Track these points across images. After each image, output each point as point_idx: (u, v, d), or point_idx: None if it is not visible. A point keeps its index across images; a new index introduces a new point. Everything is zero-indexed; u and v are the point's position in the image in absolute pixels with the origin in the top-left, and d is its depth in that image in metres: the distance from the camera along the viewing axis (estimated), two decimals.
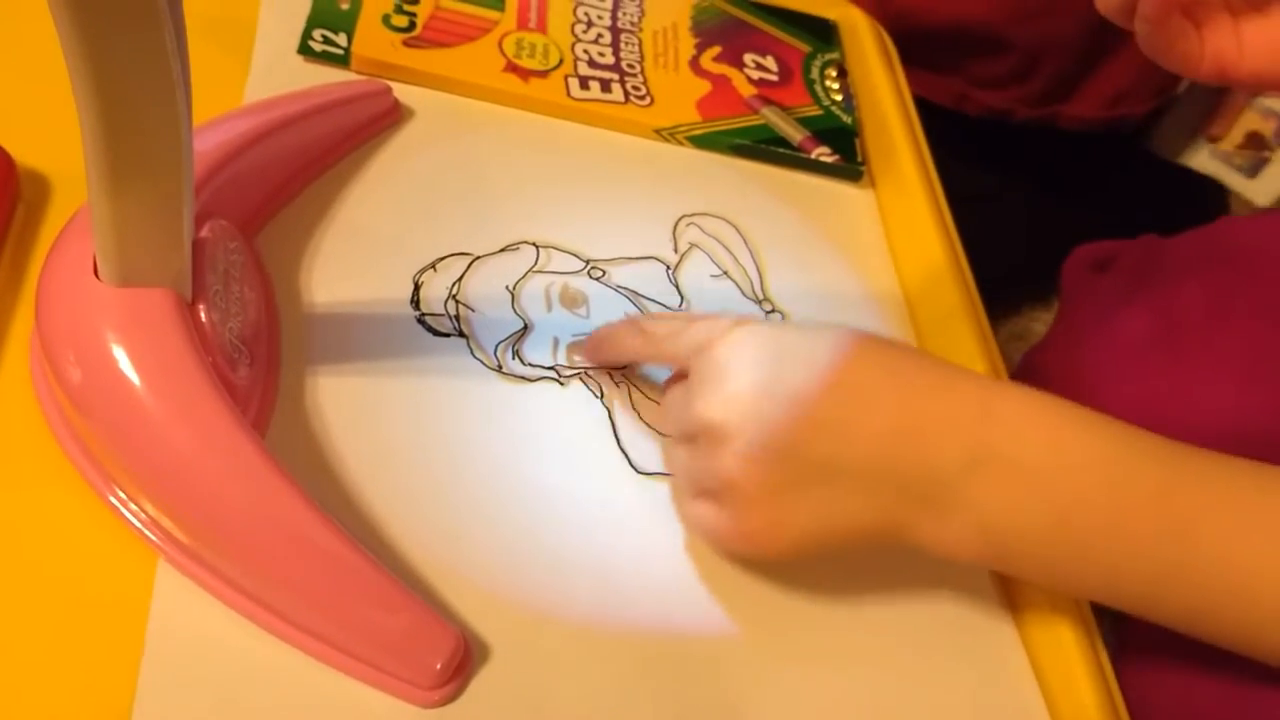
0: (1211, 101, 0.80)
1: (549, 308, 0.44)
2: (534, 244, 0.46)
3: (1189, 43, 0.39)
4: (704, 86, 0.55)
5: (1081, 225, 0.68)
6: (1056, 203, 0.82)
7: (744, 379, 0.35)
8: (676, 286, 0.47)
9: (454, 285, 0.43)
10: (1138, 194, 0.85)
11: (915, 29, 0.72)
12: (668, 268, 0.47)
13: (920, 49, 0.71)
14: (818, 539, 0.36)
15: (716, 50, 0.57)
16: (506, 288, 0.44)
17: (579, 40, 0.54)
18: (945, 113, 0.79)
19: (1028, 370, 0.55)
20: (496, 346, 0.42)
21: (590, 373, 0.42)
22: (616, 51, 0.54)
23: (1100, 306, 0.60)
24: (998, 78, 0.79)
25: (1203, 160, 0.80)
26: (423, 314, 0.42)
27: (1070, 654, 0.39)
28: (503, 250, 0.45)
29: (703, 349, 0.36)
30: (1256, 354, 0.47)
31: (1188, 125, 0.81)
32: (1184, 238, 0.57)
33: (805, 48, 0.59)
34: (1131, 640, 0.42)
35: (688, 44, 0.57)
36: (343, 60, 0.49)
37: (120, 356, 0.32)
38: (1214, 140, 0.78)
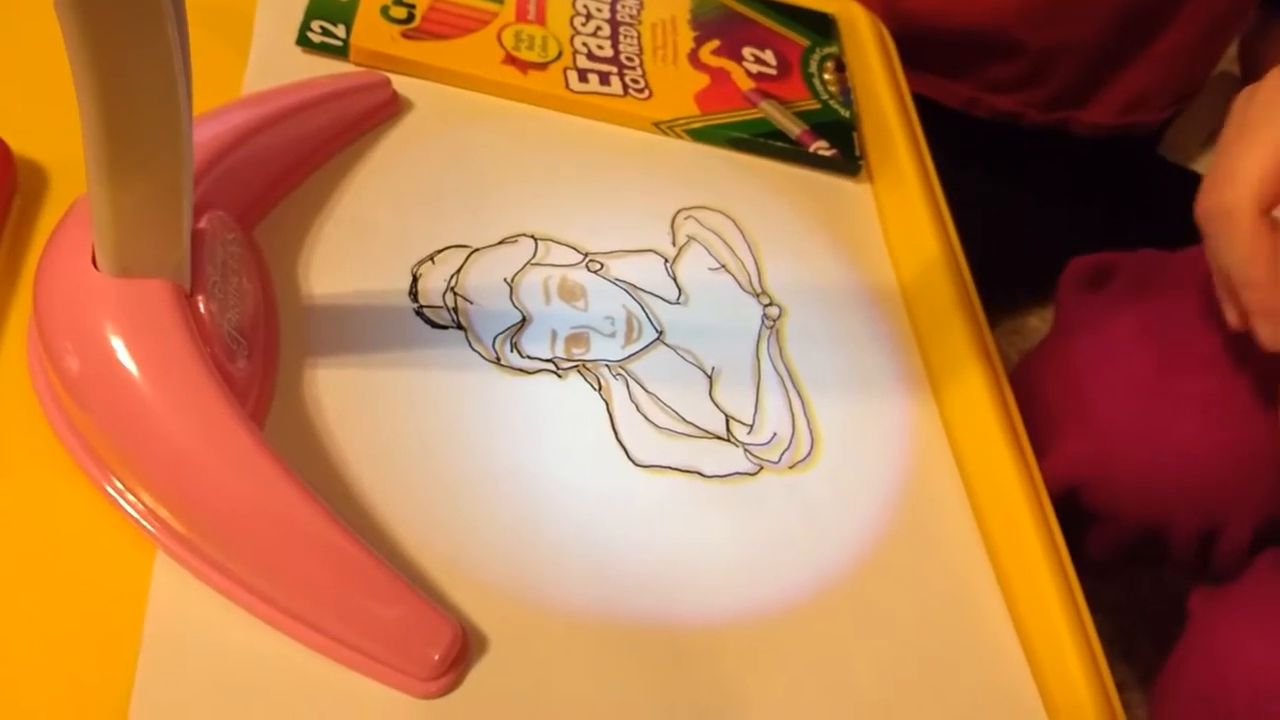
0: (1227, 108, 0.80)
1: (547, 300, 0.44)
2: (532, 236, 0.46)
3: None
4: (702, 80, 0.55)
5: (1088, 230, 0.68)
6: (1064, 207, 0.81)
7: None
8: (674, 279, 0.47)
9: (452, 277, 0.43)
10: (1147, 201, 0.84)
11: (925, 32, 0.72)
12: (666, 261, 0.47)
13: (930, 52, 0.70)
14: None
15: (715, 43, 0.57)
16: (505, 280, 0.44)
17: (578, 33, 0.54)
18: (954, 116, 0.79)
19: (1022, 375, 0.56)
20: (495, 339, 0.42)
21: (588, 365, 0.42)
22: (615, 44, 0.54)
23: (1096, 319, 0.61)
24: (1008, 82, 0.78)
25: None
26: (421, 306, 0.42)
27: (1062, 638, 0.39)
28: (501, 243, 0.45)
29: None
30: (1247, 342, 0.47)
31: (1201, 130, 0.80)
32: (1183, 255, 0.57)
33: (804, 41, 0.59)
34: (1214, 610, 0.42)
35: (686, 37, 0.57)
36: (341, 52, 0.49)
37: (118, 347, 0.31)
38: None
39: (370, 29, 0.50)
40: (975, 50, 0.76)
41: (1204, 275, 0.52)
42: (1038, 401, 0.49)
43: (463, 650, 0.33)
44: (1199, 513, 0.57)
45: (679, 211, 0.49)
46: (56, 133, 0.37)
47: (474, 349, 0.41)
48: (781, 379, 0.45)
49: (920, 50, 0.63)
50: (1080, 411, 0.58)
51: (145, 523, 0.33)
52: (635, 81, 0.53)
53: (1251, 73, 0.75)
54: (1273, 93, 0.41)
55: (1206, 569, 0.61)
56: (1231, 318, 0.44)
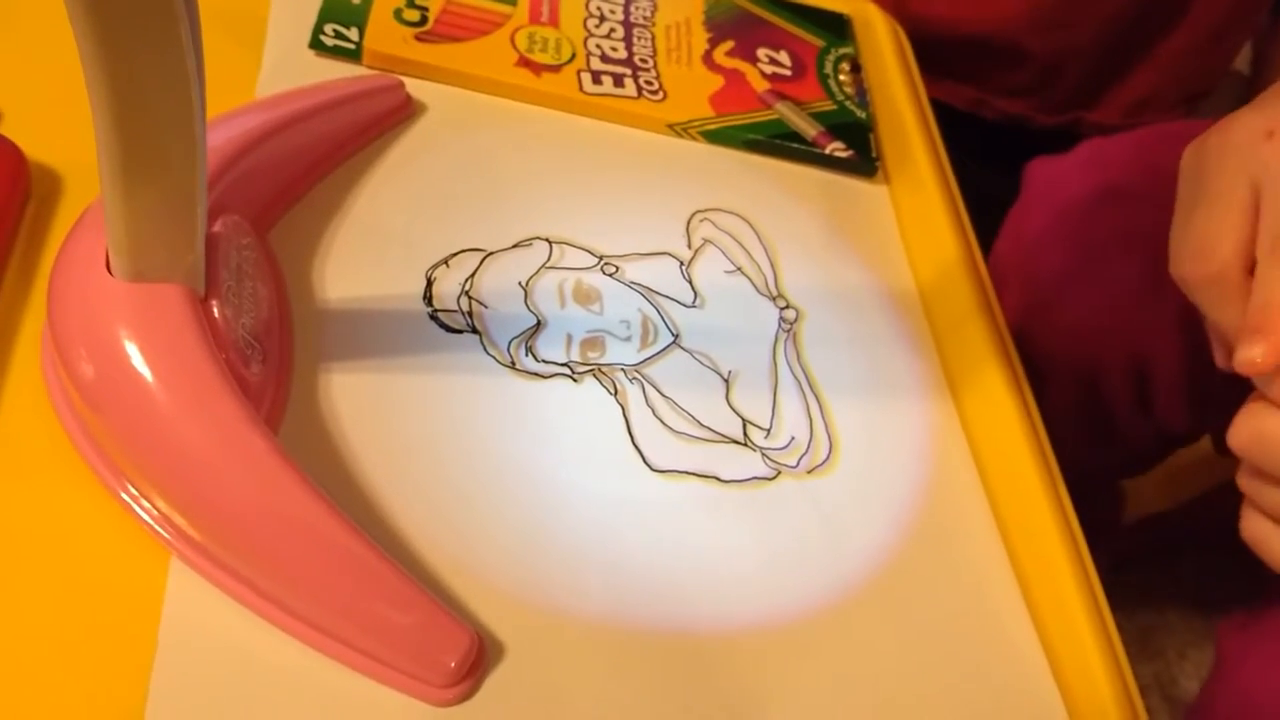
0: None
1: (562, 304, 0.44)
2: (547, 240, 0.46)
3: None
4: (717, 81, 0.54)
5: None
6: None
7: None
8: (690, 283, 0.46)
9: (467, 281, 0.43)
10: None
11: (933, 37, 0.71)
12: (681, 264, 0.47)
13: (938, 58, 0.70)
14: None
15: (729, 45, 0.56)
16: (519, 284, 0.44)
17: (592, 35, 0.54)
18: (962, 116, 0.78)
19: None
20: (510, 343, 0.42)
21: (604, 369, 0.42)
22: (629, 46, 0.54)
23: (1050, 187, 0.65)
24: (1016, 87, 0.78)
25: None
26: (435, 310, 0.42)
27: (1084, 640, 0.39)
28: (515, 246, 0.45)
29: None
30: None
31: None
32: (1142, 133, 0.59)
33: (819, 42, 0.59)
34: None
35: (700, 38, 0.56)
36: (354, 55, 0.49)
37: (133, 352, 0.31)
38: None
39: (383, 32, 0.50)
40: (983, 56, 0.76)
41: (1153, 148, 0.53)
42: (997, 272, 0.51)
43: (479, 657, 0.33)
44: (1126, 350, 0.61)
45: (694, 214, 0.49)
46: (70, 137, 0.37)
47: (489, 353, 0.41)
48: (799, 382, 0.44)
49: (928, 55, 0.63)
50: (1026, 264, 0.63)
51: (160, 529, 0.33)
52: (649, 83, 0.53)
53: (1261, 75, 0.75)
54: (1221, 149, 0.40)
55: (1150, 418, 0.64)
56: (1220, 358, 0.43)
